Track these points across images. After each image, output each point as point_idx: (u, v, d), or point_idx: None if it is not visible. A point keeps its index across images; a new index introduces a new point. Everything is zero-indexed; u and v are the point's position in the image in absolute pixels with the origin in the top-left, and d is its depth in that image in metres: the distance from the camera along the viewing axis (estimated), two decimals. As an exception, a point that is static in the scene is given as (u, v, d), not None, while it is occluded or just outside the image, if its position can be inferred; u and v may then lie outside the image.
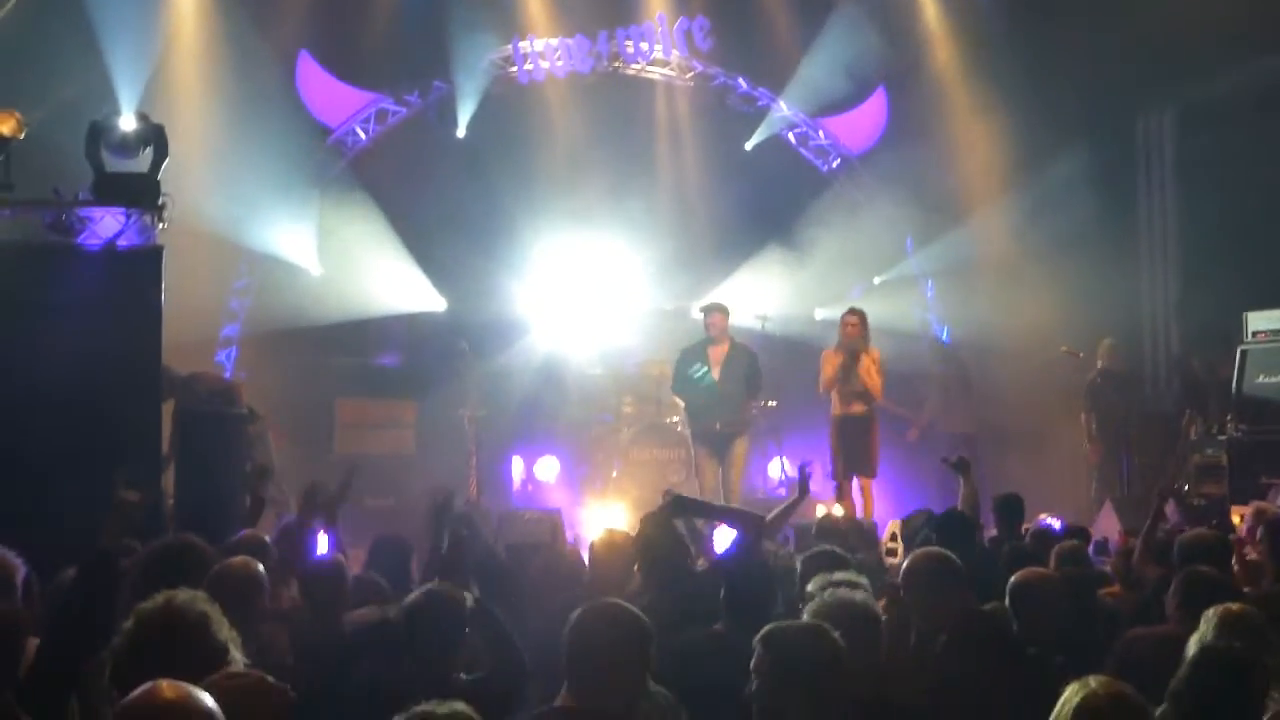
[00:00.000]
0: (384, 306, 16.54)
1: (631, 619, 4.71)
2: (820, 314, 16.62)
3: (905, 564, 5.99)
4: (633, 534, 7.40)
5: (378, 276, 16.49)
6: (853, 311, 13.51)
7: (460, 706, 3.66)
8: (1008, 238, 16.61)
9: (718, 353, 13.71)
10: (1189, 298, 16.76)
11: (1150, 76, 16.06)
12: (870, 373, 13.31)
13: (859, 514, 12.66)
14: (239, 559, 5.65)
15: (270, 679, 3.34)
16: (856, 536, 9.17)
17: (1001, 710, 4.95)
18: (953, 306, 17.62)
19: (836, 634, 4.50)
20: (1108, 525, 12.24)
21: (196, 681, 2.92)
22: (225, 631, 3.80)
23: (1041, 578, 6.34)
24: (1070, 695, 3.67)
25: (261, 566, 5.71)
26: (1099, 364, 15.52)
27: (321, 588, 6.36)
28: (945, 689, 5.19)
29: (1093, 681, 3.70)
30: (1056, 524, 9.65)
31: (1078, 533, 9.35)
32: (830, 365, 13.41)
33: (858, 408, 13.37)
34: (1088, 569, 7.91)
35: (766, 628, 4.57)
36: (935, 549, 6.25)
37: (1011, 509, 9.35)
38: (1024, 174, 16.70)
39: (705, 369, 13.63)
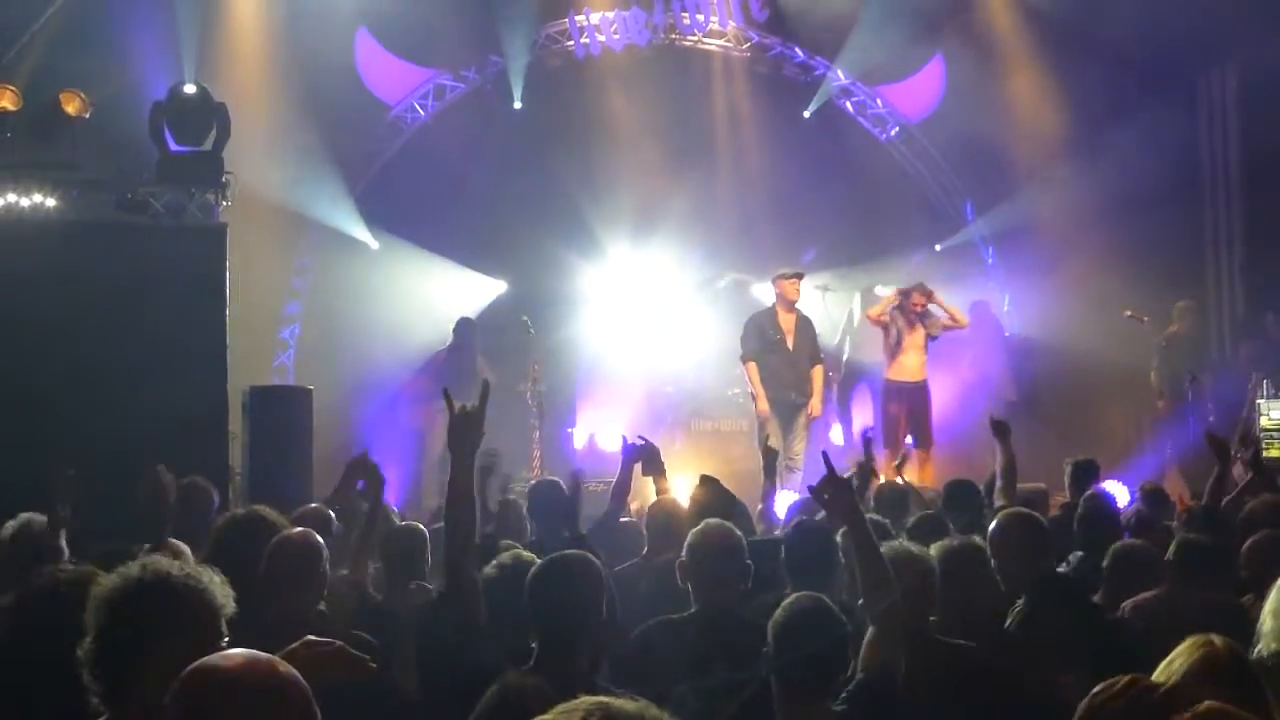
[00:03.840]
0: (444, 308, 16.48)
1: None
2: (880, 290, 16.52)
3: (992, 526, 5.98)
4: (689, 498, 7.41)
5: (434, 280, 16.67)
6: (923, 291, 13.48)
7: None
8: (1069, 201, 16.46)
9: (789, 321, 13.68)
10: (1254, 259, 16.58)
11: (1211, 35, 15.84)
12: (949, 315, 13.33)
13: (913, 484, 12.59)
14: (298, 530, 5.69)
15: (349, 648, 3.36)
16: (918, 506, 9.12)
17: (1081, 671, 4.95)
18: (1014, 271, 17.49)
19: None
20: (1173, 489, 12.14)
21: (187, 659, 2.89)
22: (218, 598, 3.38)
23: (1135, 547, 6.35)
24: (1190, 650, 3.54)
25: (320, 538, 5.75)
26: (1172, 325, 15.48)
27: (400, 556, 6.43)
28: (1026, 650, 5.20)
29: (1216, 640, 3.56)
30: (1123, 491, 9.57)
31: (1153, 496, 9.25)
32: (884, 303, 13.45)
33: (913, 373, 13.30)
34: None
35: None
36: (1022, 511, 6.23)
37: (1083, 475, 9.30)
38: (1085, 137, 16.55)
39: (780, 336, 13.59)
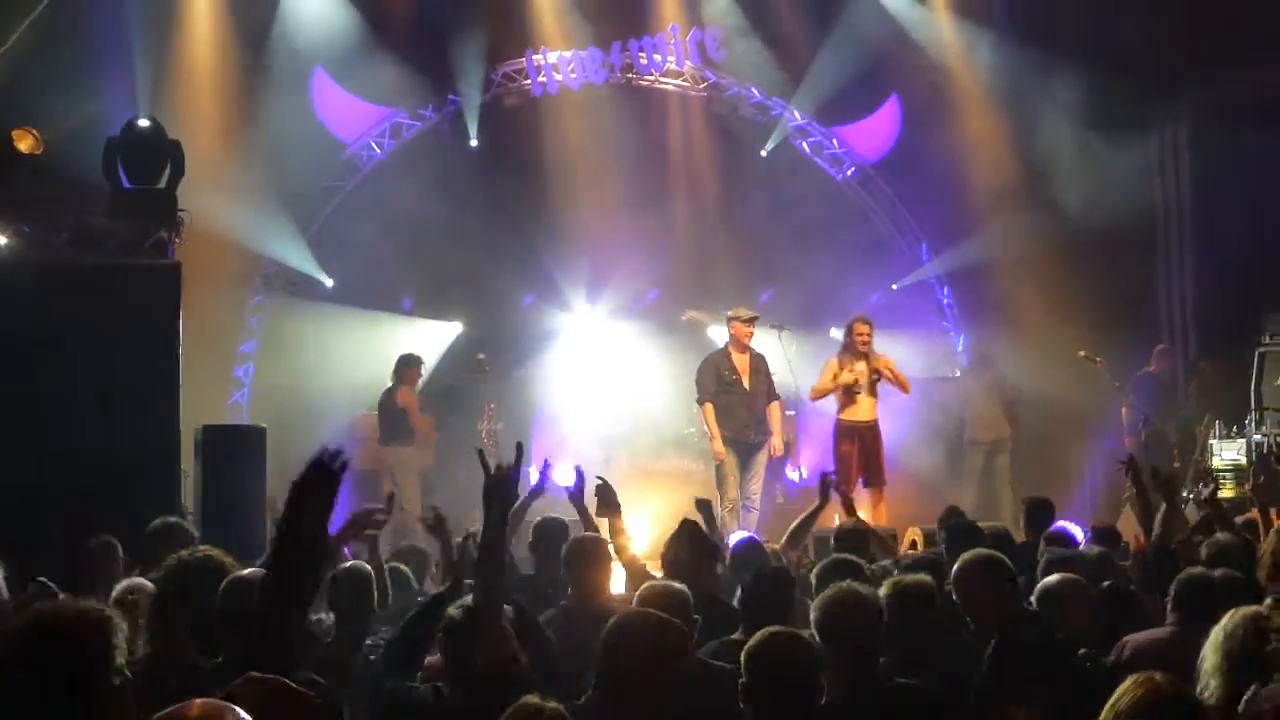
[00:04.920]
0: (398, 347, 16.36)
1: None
2: (835, 334, 16.55)
3: (957, 565, 6.00)
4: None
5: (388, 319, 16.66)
6: (864, 320, 13.48)
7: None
8: (1023, 243, 16.55)
9: (743, 361, 13.65)
10: (1206, 303, 16.71)
11: (1164, 82, 15.99)
12: (894, 372, 13.28)
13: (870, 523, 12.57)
14: (249, 571, 5.60)
15: (293, 685, 3.31)
16: (876, 545, 9.14)
17: (1049, 711, 4.97)
18: (969, 311, 17.57)
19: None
20: (1129, 528, 12.17)
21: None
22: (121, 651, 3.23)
23: (1070, 583, 6.34)
24: (1133, 687, 3.57)
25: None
26: (1151, 365, 15.71)
27: (349, 597, 6.36)
28: (995, 688, 5.20)
29: (1158, 676, 3.60)
30: (1077, 530, 9.60)
31: (1105, 534, 9.27)
32: (828, 373, 13.39)
33: (865, 413, 13.31)
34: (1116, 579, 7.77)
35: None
36: (986, 551, 6.25)
37: (1039, 515, 9.32)
38: (1039, 180, 16.67)
39: (735, 376, 13.56)
